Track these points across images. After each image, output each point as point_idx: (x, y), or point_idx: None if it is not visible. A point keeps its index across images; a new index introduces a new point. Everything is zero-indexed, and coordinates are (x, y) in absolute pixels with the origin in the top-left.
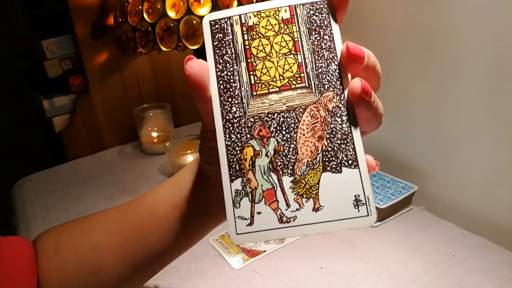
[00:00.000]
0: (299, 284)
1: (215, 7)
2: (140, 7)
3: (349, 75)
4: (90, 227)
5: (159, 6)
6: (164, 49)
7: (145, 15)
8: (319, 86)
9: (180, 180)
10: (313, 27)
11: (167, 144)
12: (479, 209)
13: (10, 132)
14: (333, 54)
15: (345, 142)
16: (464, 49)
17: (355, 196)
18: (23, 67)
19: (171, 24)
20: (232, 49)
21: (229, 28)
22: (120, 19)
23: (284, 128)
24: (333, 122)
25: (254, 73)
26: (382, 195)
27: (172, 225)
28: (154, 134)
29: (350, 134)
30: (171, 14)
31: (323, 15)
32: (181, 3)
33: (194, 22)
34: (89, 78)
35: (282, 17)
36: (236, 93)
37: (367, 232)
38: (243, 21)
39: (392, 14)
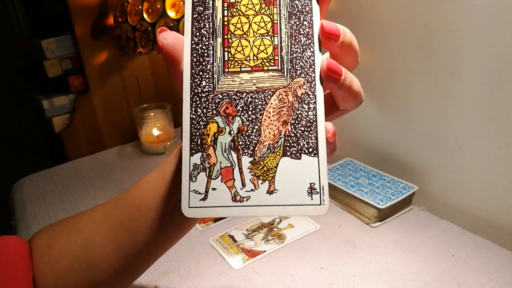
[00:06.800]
0: (299, 284)
1: None
2: (140, 7)
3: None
4: (81, 223)
5: (159, 6)
6: None
7: (145, 15)
8: (291, 71)
9: (165, 170)
10: (294, 12)
11: (167, 144)
12: (479, 209)
13: (10, 132)
14: (310, 41)
15: (309, 129)
16: (464, 49)
17: (310, 184)
18: (23, 67)
19: (171, 24)
20: (211, 23)
21: (211, 2)
22: (120, 19)
23: (250, 109)
24: (299, 108)
25: (229, 50)
26: (382, 195)
27: (160, 216)
28: (154, 134)
29: (314, 123)
30: (171, 14)
31: (305, 1)
32: (181, 3)
33: None
34: (89, 78)
35: None
36: (208, 68)
37: (367, 232)
38: None
39: (392, 14)
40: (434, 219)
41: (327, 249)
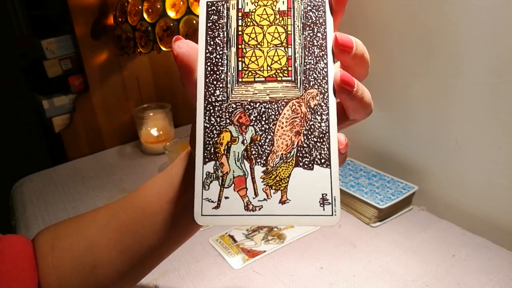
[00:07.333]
0: (299, 284)
1: None
2: (140, 7)
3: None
4: (85, 225)
5: (159, 6)
6: (164, 49)
7: (145, 15)
8: (305, 82)
9: (172, 175)
10: (308, 23)
11: (167, 144)
12: (479, 209)
13: (10, 132)
14: (323, 52)
15: (321, 140)
16: (464, 49)
17: (322, 194)
18: (23, 67)
19: (171, 24)
20: (225, 32)
21: (225, 11)
22: (120, 19)
23: (264, 119)
24: (312, 119)
25: (243, 59)
26: (382, 195)
27: (166, 220)
28: (154, 134)
29: (327, 134)
30: (171, 14)
31: (319, 13)
32: (181, 3)
33: (194, 22)
34: (89, 78)
35: (279, 8)
36: (222, 77)
37: (367, 232)
38: (240, 7)
39: (392, 15)
40: (434, 219)
41: (327, 249)
